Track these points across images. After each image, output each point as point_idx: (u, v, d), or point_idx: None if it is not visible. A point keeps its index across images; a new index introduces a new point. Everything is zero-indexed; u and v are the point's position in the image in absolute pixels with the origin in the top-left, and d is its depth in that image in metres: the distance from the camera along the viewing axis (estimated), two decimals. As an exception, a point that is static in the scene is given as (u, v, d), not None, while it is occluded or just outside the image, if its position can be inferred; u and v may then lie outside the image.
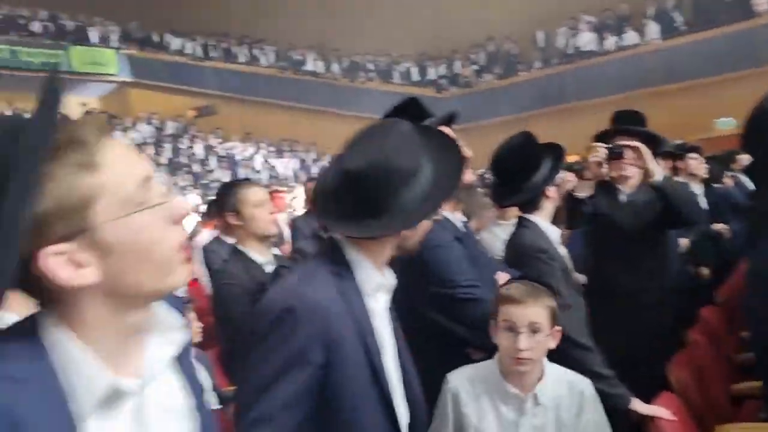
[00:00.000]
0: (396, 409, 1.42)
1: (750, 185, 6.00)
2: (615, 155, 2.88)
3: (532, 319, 1.70)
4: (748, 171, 4.62)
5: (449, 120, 2.17)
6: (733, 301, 3.74)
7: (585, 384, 1.83)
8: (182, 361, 0.97)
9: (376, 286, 1.46)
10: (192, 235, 6.99)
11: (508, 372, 1.75)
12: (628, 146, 2.80)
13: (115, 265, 0.81)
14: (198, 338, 3.27)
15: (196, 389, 0.99)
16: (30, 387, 0.76)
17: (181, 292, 6.32)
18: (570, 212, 2.97)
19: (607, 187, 2.98)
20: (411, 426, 1.49)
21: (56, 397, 0.78)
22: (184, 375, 0.97)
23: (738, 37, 13.81)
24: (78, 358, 0.81)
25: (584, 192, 2.93)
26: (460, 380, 1.79)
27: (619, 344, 2.60)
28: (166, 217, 0.85)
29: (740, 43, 13.65)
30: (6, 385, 0.74)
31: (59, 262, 0.78)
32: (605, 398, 2.10)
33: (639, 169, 2.84)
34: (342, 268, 1.43)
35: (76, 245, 0.79)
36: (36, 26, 19.26)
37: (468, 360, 1.95)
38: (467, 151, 2.14)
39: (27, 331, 0.81)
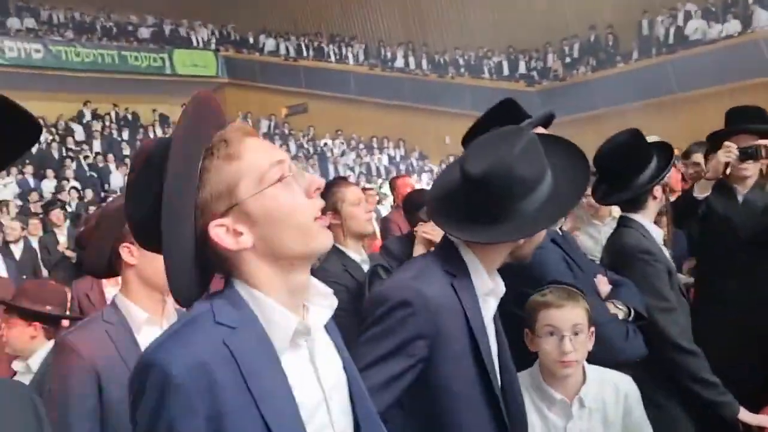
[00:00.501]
0: (502, 406, 1.43)
1: None
2: (750, 156, 2.73)
3: (574, 321, 1.72)
4: None
5: (547, 121, 2.16)
6: None
7: (628, 383, 1.82)
8: (329, 327, 1.14)
9: (488, 290, 1.47)
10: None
11: (552, 377, 1.76)
12: (766, 145, 2.67)
13: (263, 230, 1.00)
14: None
15: (342, 351, 1.15)
16: (240, 331, 0.97)
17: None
18: (682, 212, 2.88)
19: (723, 187, 2.85)
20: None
21: (261, 337, 1.00)
22: (333, 338, 1.14)
23: None
24: (270, 306, 1.01)
25: (703, 192, 2.83)
26: None
27: (723, 352, 2.52)
28: (299, 190, 1.02)
29: None
30: (223, 330, 0.97)
31: (222, 232, 1.00)
32: (711, 406, 2.05)
33: (758, 168, 2.75)
34: (457, 268, 1.44)
35: (232, 218, 1.00)
36: (143, 32, 20.40)
37: None
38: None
39: (227, 293, 1.02)
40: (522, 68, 19.42)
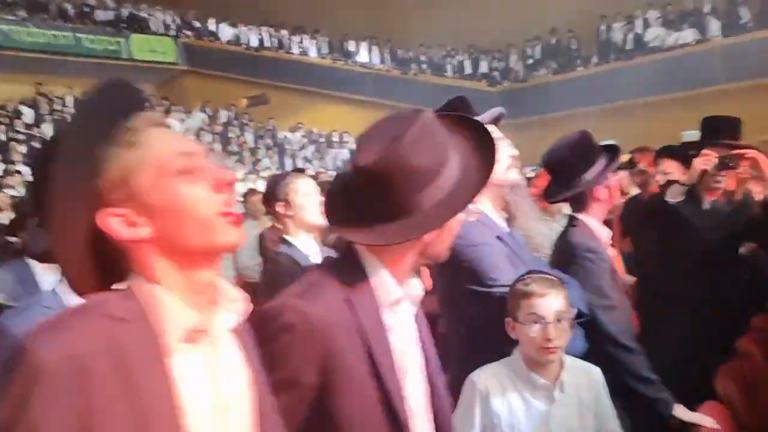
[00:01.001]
0: (411, 430, 1.28)
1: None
2: (727, 166, 2.79)
3: (557, 309, 1.77)
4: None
5: (496, 120, 2.17)
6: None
7: (597, 372, 1.89)
8: (245, 341, 1.07)
9: (395, 299, 1.31)
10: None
11: (535, 364, 1.79)
12: (744, 157, 2.75)
13: (162, 223, 0.96)
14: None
15: (254, 364, 1.07)
16: (127, 324, 0.92)
17: (231, 278, 6.45)
18: (651, 214, 2.97)
19: (690, 193, 2.93)
20: None
21: (149, 333, 0.94)
22: (244, 349, 1.06)
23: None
24: (165, 301, 0.96)
25: (676, 197, 2.89)
26: (487, 379, 1.82)
27: (668, 350, 2.57)
28: (204, 184, 0.97)
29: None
30: (106, 321, 0.91)
31: (115, 222, 0.95)
32: (648, 402, 2.09)
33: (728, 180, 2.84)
34: (355, 278, 1.28)
35: (130, 209, 0.95)
36: (100, 14, 19.85)
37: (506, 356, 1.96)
38: (512, 150, 2.14)
39: (123, 286, 0.98)
40: (484, 68, 19.57)
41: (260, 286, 2.93)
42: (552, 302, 1.77)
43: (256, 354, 1.10)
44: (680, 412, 2.12)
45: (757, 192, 3.15)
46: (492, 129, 2.10)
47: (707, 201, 2.96)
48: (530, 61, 19.09)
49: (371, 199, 1.28)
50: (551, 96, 17.13)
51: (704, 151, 2.81)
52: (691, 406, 2.19)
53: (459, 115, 1.47)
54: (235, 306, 1.03)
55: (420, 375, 1.37)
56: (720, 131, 2.99)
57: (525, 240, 4.01)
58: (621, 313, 2.20)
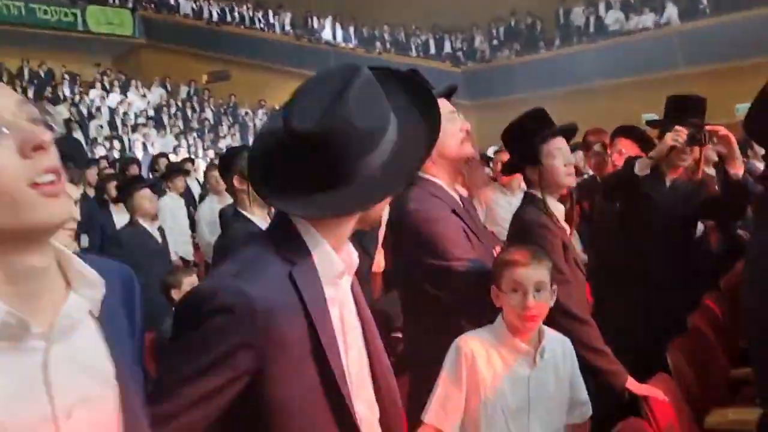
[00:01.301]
0: (354, 412, 1.20)
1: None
2: (698, 142, 2.84)
3: (538, 279, 1.82)
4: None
5: (449, 93, 2.15)
6: (737, 287, 3.73)
7: (569, 342, 1.97)
8: (111, 322, 0.94)
9: (339, 272, 1.23)
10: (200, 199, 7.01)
11: (516, 331, 1.86)
12: (716, 133, 2.78)
13: None
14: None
15: (125, 354, 0.95)
16: None
17: (188, 256, 6.32)
18: (619, 186, 3.01)
19: (654, 170, 2.99)
20: (383, 419, 1.33)
21: None
22: (111, 337, 0.93)
23: (763, 22, 13.58)
24: None
25: (644, 170, 2.92)
26: (473, 344, 1.86)
27: (621, 323, 2.62)
28: (13, 147, 0.80)
29: (764, 28, 13.44)
30: None
31: None
32: (600, 374, 2.12)
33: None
34: (296, 252, 1.18)
35: None
36: (54, -16, 19.18)
37: (461, 330, 1.95)
38: (465, 123, 2.13)
39: None
40: (448, 48, 19.55)
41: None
42: (533, 272, 1.82)
43: (131, 345, 0.99)
44: (632, 384, 2.16)
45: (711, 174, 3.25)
46: (444, 102, 2.10)
47: (669, 178, 3.02)
48: (495, 42, 19.13)
49: (309, 166, 1.18)
50: (514, 77, 17.22)
51: (677, 127, 2.85)
52: (642, 379, 2.22)
53: (396, 71, 1.35)
54: (91, 291, 0.90)
55: (361, 344, 1.32)
56: (686, 110, 3.03)
57: (486, 214, 4.09)
58: (574, 286, 2.22)
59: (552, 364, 1.88)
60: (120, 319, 0.98)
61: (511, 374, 1.84)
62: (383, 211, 1.34)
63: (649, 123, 3.34)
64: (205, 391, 1.10)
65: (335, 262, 1.23)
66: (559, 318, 2.04)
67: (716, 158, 4.91)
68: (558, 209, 2.35)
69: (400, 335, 2.49)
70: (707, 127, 2.83)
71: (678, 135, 2.82)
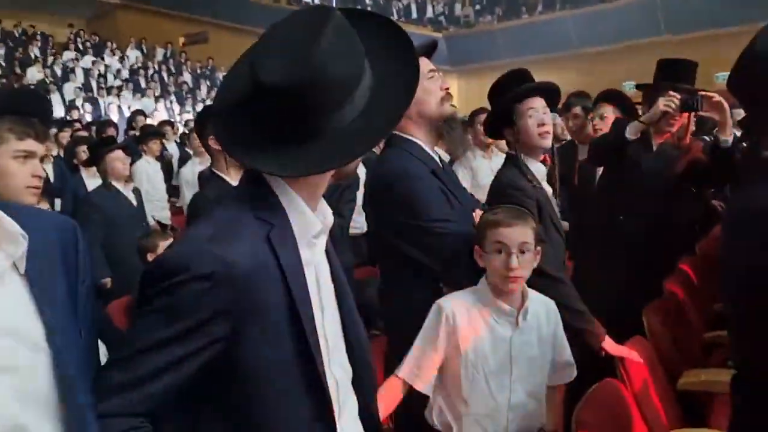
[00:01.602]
0: (325, 379, 1.17)
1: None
2: (690, 107, 2.82)
3: (522, 240, 1.81)
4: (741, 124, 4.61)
5: (429, 50, 2.10)
6: (713, 253, 3.78)
7: (554, 303, 1.97)
8: (41, 279, 0.90)
9: (316, 231, 1.19)
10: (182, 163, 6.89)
11: (499, 292, 1.85)
12: (709, 99, 2.77)
13: None
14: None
15: (58, 313, 0.91)
16: None
17: (165, 221, 6.26)
18: (609, 149, 3.01)
19: (641, 134, 2.98)
20: (356, 378, 1.31)
21: None
22: (41, 295, 0.89)
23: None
24: None
25: (634, 134, 2.91)
26: (455, 305, 1.85)
27: (601, 286, 2.63)
28: None
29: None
30: None
31: None
32: (577, 334, 2.13)
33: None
34: (272, 212, 1.13)
35: None
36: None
37: (439, 292, 1.94)
38: (445, 82, 2.09)
39: None
40: (429, 13, 19.32)
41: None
42: (517, 233, 1.80)
43: (69, 303, 0.96)
44: (608, 344, 2.17)
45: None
46: (425, 60, 2.05)
47: (656, 143, 3.03)
48: (477, 7, 18.93)
49: (279, 120, 1.11)
50: (496, 43, 17.10)
51: (670, 92, 2.84)
52: (619, 342, 2.24)
53: (369, 12, 1.25)
54: (11, 247, 0.87)
55: (333, 303, 1.28)
56: (677, 75, 3.02)
57: (471, 175, 4.07)
58: (550, 246, 2.21)
59: (535, 326, 1.88)
60: (54, 275, 0.93)
61: (493, 335, 1.84)
62: (357, 164, 1.27)
63: (640, 87, 3.30)
64: (175, 359, 1.05)
65: (312, 222, 1.18)
66: (533, 278, 2.04)
67: (693, 127, 4.94)
68: (539, 170, 2.33)
69: (378, 333, 2.48)
70: (700, 93, 2.81)
71: (671, 100, 2.81)
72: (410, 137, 2.04)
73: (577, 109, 4.04)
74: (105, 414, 0.99)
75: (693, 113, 2.90)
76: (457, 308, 1.85)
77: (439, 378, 1.87)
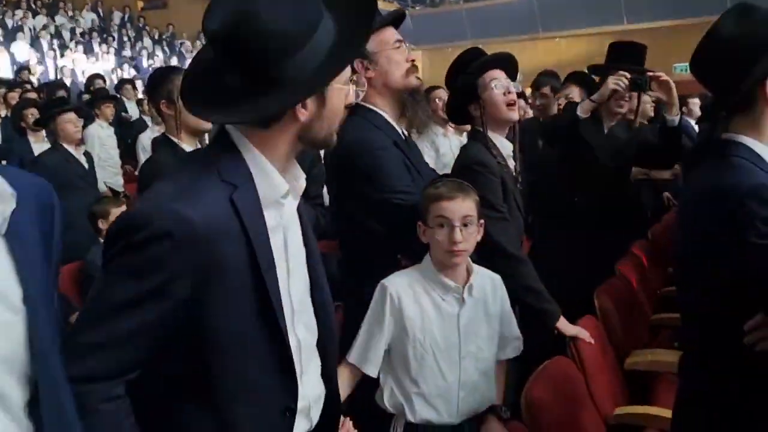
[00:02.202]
0: (291, 338, 1.18)
1: (693, 131, 6.17)
2: (639, 86, 2.86)
3: (464, 213, 1.79)
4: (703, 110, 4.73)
5: (396, 21, 2.06)
6: (664, 238, 3.87)
7: (500, 278, 1.96)
8: (21, 241, 0.89)
9: (282, 193, 1.18)
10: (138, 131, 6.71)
11: (444, 267, 1.83)
12: (656, 79, 2.80)
13: None
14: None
15: (36, 277, 0.90)
16: None
17: (117, 187, 6.10)
18: (560, 127, 3.05)
19: (593, 116, 3.01)
20: (320, 341, 1.33)
21: None
22: (20, 258, 0.88)
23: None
24: None
25: (586, 112, 2.94)
26: (399, 284, 1.83)
27: (556, 266, 2.65)
28: None
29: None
30: None
31: None
32: (533, 313, 2.14)
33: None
34: (236, 173, 1.13)
35: None
36: None
37: (397, 264, 1.92)
38: (411, 54, 2.06)
39: None
40: (397, -11, 19.14)
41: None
42: (460, 206, 1.78)
43: (45, 268, 0.94)
44: (562, 324, 2.19)
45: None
46: (391, 31, 2.02)
47: (607, 125, 3.07)
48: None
49: (229, 71, 1.12)
50: (462, 23, 17.06)
51: (620, 72, 2.87)
52: (571, 321, 2.26)
53: None
54: (2, 206, 0.86)
55: (303, 267, 1.29)
56: (626, 56, 3.06)
57: (435, 151, 4.06)
58: (510, 225, 2.21)
59: (481, 301, 1.87)
60: (33, 239, 0.91)
61: (440, 313, 1.82)
62: (329, 128, 1.21)
63: (591, 68, 3.36)
64: (141, 320, 1.05)
65: (277, 183, 1.17)
66: (493, 256, 2.03)
67: (652, 113, 5.03)
68: (505, 147, 2.31)
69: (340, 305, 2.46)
70: (648, 73, 2.85)
71: (620, 78, 2.84)
72: (374, 108, 2.01)
73: (546, 89, 4.07)
74: (75, 377, 0.98)
75: (642, 92, 2.95)
76: (402, 288, 1.82)
77: (388, 360, 1.85)
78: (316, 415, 1.31)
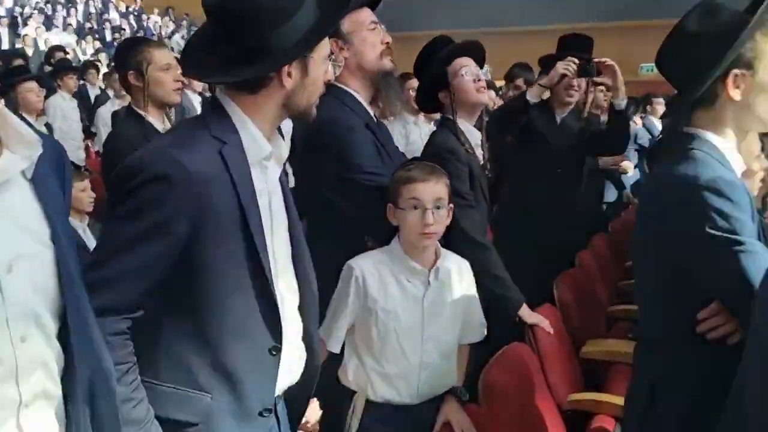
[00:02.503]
0: (275, 289, 1.30)
1: (656, 130, 6.29)
2: (588, 72, 2.94)
3: (437, 195, 1.81)
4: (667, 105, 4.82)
5: (374, 1, 2.05)
6: (624, 233, 3.95)
7: (467, 263, 1.99)
8: (44, 185, 0.97)
9: (264, 155, 1.32)
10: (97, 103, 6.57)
11: (412, 249, 1.85)
12: (604, 64, 2.88)
13: None
14: (89, 208, 3.18)
15: (59, 217, 0.99)
16: None
17: (79, 162, 5.99)
18: (512, 113, 3.07)
19: (544, 107, 3.10)
20: (301, 305, 1.42)
21: None
22: (44, 200, 0.97)
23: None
24: None
25: (535, 97, 2.99)
26: (365, 265, 1.85)
27: (517, 255, 2.69)
28: None
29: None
30: None
31: None
32: (496, 299, 2.17)
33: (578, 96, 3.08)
34: (224, 131, 1.27)
35: None
36: None
37: (364, 246, 1.93)
38: (386, 36, 2.06)
39: None
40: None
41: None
42: (432, 188, 1.80)
43: (64, 210, 1.04)
44: (524, 312, 2.23)
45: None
46: (367, 12, 2.01)
47: (559, 115, 3.16)
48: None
49: (222, 41, 1.25)
50: (435, 13, 17.06)
51: (568, 57, 2.94)
52: (531, 308, 2.30)
53: None
54: (28, 150, 0.93)
55: (285, 233, 1.40)
56: (574, 47, 3.15)
57: (405, 137, 4.06)
58: (476, 212, 2.23)
59: (447, 285, 1.89)
60: (52, 184, 1.00)
61: (405, 294, 1.84)
62: (310, 98, 1.34)
63: (541, 60, 3.47)
64: (145, 256, 1.18)
65: (261, 144, 1.30)
66: (459, 242, 2.05)
67: (604, 104, 5.13)
68: (473, 135, 2.33)
69: None
70: (595, 60, 2.94)
71: (569, 64, 2.91)
72: (346, 88, 2.01)
73: (520, 81, 4.13)
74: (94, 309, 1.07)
75: (590, 78, 3.04)
76: (368, 269, 1.84)
77: (353, 339, 1.88)
78: (298, 372, 1.41)
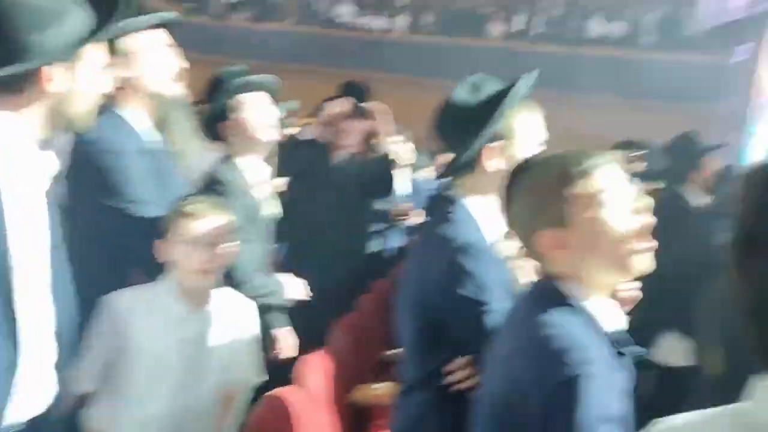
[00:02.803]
0: (16, 305, 1.24)
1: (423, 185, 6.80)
2: (361, 113, 3.16)
3: (216, 232, 1.77)
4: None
5: (171, 24, 1.98)
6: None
7: (252, 305, 1.97)
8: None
9: (24, 161, 1.26)
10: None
11: (183, 286, 1.77)
12: (375, 108, 3.13)
13: None
14: None
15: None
16: None
17: None
18: (283, 153, 3.09)
19: (322, 147, 3.21)
20: (59, 331, 1.35)
21: None
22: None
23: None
24: None
25: (307, 135, 3.07)
26: (126, 300, 1.73)
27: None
28: None
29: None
30: None
31: None
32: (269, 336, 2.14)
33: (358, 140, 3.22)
34: None
35: None
36: None
37: (133, 280, 1.81)
38: (182, 61, 1.99)
39: None
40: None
41: None
42: (211, 224, 1.76)
43: None
44: (291, 351, 2.21)
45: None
46: (164, 35, 1.93)
47: (335, 157, 3.29)
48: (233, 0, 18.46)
49: None
50: (249, 43, 16.86)
51: (346, 97, 3.23)
52: (307, 352, 2.30)
53: None
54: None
55: (45, 251, 1.33)
56: (353, 92, 3.50)
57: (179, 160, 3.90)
58: (253, 249, 2.20)
59: (218, 326, 1.82)
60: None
61: (173, 333, 1.75)
62: (81, 112, 1.33)
63: (324, 101, 3.70)
64: None
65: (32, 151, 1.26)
66: (235, 275, 2.01)
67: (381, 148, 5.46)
68: (259, 170, 2.29)
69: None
70: (368, 104, 3.27)
71: (344, 103, 3.16)
72: (125, 110, 1.89)
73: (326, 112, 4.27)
74: None
75: (363, 119, 3.29)
76: (130, 303, 1.74)
77: (106, 377, 1.74)
78: (44, 402, 1.34)
